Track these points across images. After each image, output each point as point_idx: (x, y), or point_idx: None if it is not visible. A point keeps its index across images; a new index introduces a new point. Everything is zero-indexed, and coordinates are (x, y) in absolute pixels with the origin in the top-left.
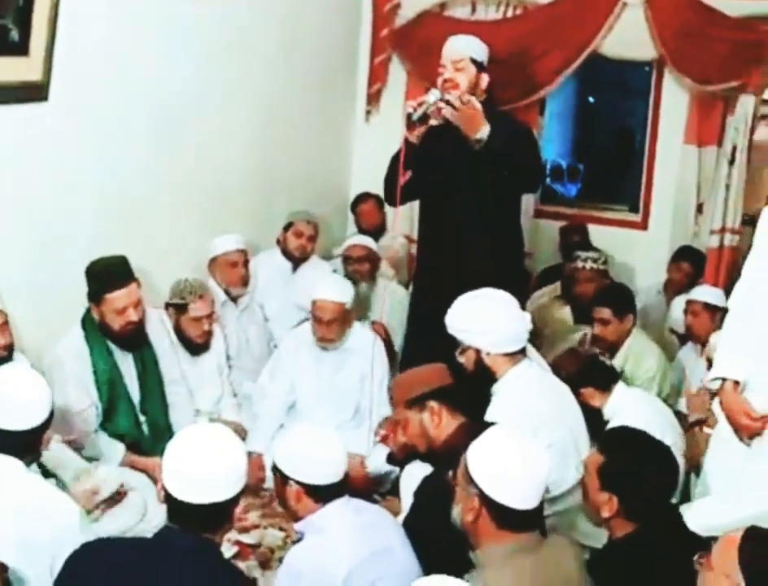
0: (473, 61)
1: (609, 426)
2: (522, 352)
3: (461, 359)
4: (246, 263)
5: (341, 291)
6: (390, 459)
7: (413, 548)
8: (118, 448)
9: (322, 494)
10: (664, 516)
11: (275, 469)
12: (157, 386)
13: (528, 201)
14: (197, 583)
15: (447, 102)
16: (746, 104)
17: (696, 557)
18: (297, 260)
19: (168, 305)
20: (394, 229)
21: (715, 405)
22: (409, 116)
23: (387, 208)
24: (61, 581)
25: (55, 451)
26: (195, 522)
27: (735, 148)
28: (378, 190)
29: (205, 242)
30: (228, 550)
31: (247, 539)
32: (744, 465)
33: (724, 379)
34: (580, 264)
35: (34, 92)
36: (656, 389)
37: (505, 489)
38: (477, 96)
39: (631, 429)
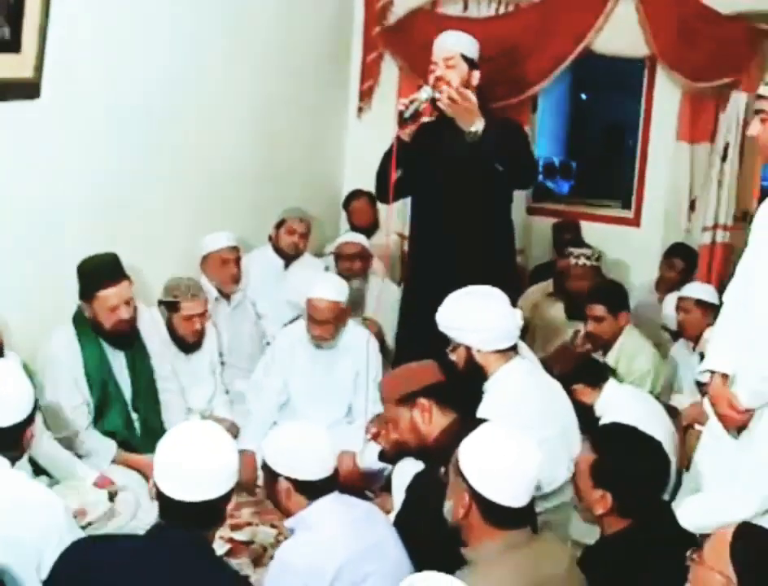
0: (464, 58)
1: (601, 422)
2: (514, 348)
3: (452, 356)
4: (238, 260)
5: (336, 290)
6: (382, 456)
7: (405, 545)
8: (110, 446)
9: (312, 490)
10: (656, 512)
11: (264, 466)
12: (149, 383)
13: (520, 198)
14: (189, 580)
15: (437, 102)
16: (738, 101)
17: (688, 553)
18: (289, 258)
19: (160, 303)
20: (387, 226)
21: (706, 402)
22: (401, 114)
23: (380, 205)
24: (52, 580)
25: (47, 448)
26: (187, 520)
27: (727, 145)
28: (371, 187)
29: (197, 239)
30: (220, 548)
31: (240, 536)
32: (733, 460)
33: (714, 372)
34: (573, 260)
35: (26, 89)
36: (649, 386)
37: (495, 486)
38: None
39: (622, 425)
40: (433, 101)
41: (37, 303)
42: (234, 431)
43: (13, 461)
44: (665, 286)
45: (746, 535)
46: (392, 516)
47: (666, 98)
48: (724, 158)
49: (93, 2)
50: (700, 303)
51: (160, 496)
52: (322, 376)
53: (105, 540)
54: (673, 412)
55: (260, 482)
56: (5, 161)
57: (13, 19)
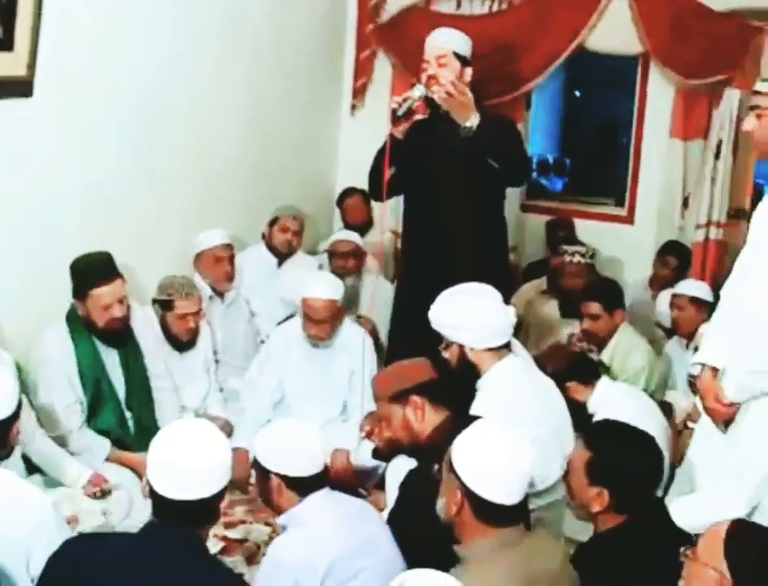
0: (457, 55)
1: (594, 420)
2: (507, 346)
3: (445, 354)
4: (231, 258)
5: (331, 288)
6: (376, 454)
7: (398, 542)
8: (104, 445)
9: (302, 486)
10: (651, 508)
11: (255, 463)
12: (142, 382)
13: (514, 195)
14: (183, 579)
15: (432, 96)
16: (731, 98)
17: (682, 549)
18: (283, 256)
19: (154, 301)
20: (381, 223)
21: (698, 399)
22: (394, 112)
23: (374, 203)
24: (45, 579)
25: (41, 446)
26: (180, 518)
27: (720, 142)
28: (364, 184)
29: (190, 237)
30: (214, 546)
31: (234, 534)
32: (722, 455)
33: (704, 365)
34: (567, 258)
35: (19, 87)
36: (643, 383)
37: (488, 484)
38: None
39: (614, 421)
40: (426, 99)
41: (30, 302)
42: (228, 430)
43: (0, 458)
44: (658, 283)
45: (739, 532)
46: (385, 513)
47: (660, 95)
48: (717, 155)
49: (86, 0)
50: (693, 300)
51: (153, 495)
52: (318, 374)
53: (98, 538)
54: (667, 408)
55: (253, 480)
56: None
57: (6, 17)
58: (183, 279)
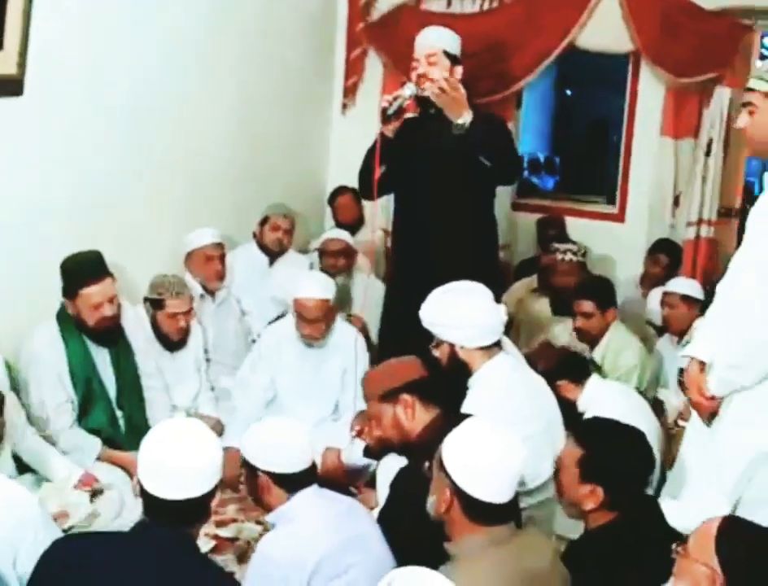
0: (447, 54)
1: (584, 418)
2: (498, 345)
3: (436, 353)
4: (222, 257)
5: (323, 287)
6: (367, 452)
7: (389, 540)
8: (94, 444)
9: (290, 482)
10: (642, 504)
11: (243, 462)
12: (133, 381)
13: (505, 193)
14: (174, 578)
15: (426, 91)
16: (722, 96)
17: (673, 546)
18: (273, 254)
19: (145, 300)
20: (373, 222)
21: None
22: (384, 111)
23: (365, 202)
24: (35, 579)
25: (31, 444)
26: (171, 517)
27: (711, 140)
28: (356, 183)
29: (181, 236)
30: (205, 544)
31: (225, 533)
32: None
33: (693, 359)
34: (559, 256)
35: (9, 86)
36: (635, 381)
37: (477, 482)
38: None
39: (603, 418)
40: (416, 97)
41: (21, 301)
42: (219, 429)
43: None
44: (649, 281)
45: (731, 528)
46: (376, 512)
47: (650, 93)
48: (708, 153)
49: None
50: (685, 298)
51: (144, 494)
52: (310, 374)
53: (89, 537)
54: (659, 406)
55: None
56: None
57: None
58: (174, 278)
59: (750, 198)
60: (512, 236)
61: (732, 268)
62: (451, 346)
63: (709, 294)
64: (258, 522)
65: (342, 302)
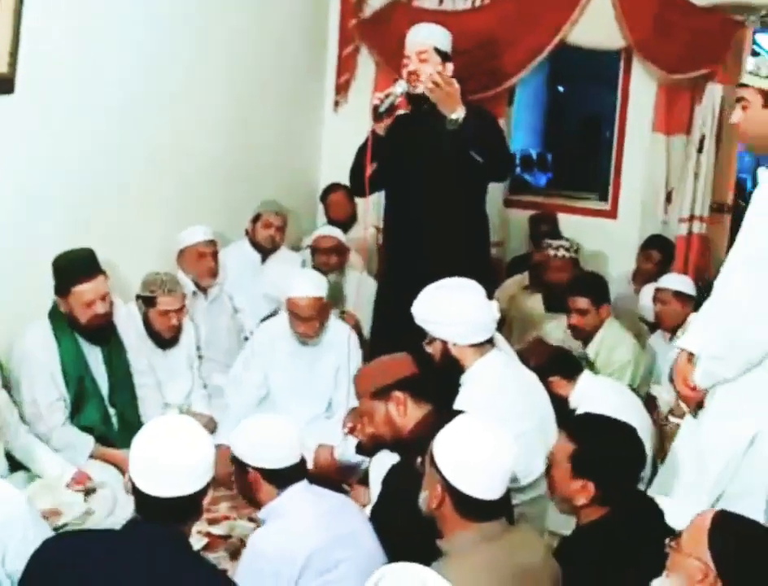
0: (437, 51)
1: (576, 414)
2: (490, 341)
3: (428, 349)
4: (214, 254)
5: (316, 285)
6: (360, 449)
7: (381, 536)
8: (87, 441)
9: (280, 478)
10: (634, 499)
11: (233, 459)
12: (126, 378)
13: (497, 190)
14: (166, 575)
15: (419, 86)
16: (714, 92)
17: (666, 540)
18: (266, 251)
19: (138, 297)
20: (365, 219)
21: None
22: (376, 108)
23: (357, 199)
24: (27, 576)
25: (24, 442)
26: (163, 515)
27: (703, 137)
28: (348, 180)
29: (173, 233)
30: (198, 542)
31: (217, 530)
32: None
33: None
34: (552, 252)
35: None
36: (629, 377)
37: (469, 479)
38: None
39: (594, 414)
40: (408, 95)
41: (12, 299)
42: (212, 426)
43: None
44: (642, 277)
45: (723, 522)
46: (368, 509)
47: (642, 89)
48: (700, 149)
49: None
50: (677, 294)
51: (136, 492)
52: (304, 371)
53: (81, 535)
54: (651, 401)
55: None
56: None
57: None
58: (166, 276)
59: (742, 194)
60: (504, 233)
61: (727, 264)
62: (444, 343)
63: (701, 290)
64: (250, 520)
65: (335, 299)
